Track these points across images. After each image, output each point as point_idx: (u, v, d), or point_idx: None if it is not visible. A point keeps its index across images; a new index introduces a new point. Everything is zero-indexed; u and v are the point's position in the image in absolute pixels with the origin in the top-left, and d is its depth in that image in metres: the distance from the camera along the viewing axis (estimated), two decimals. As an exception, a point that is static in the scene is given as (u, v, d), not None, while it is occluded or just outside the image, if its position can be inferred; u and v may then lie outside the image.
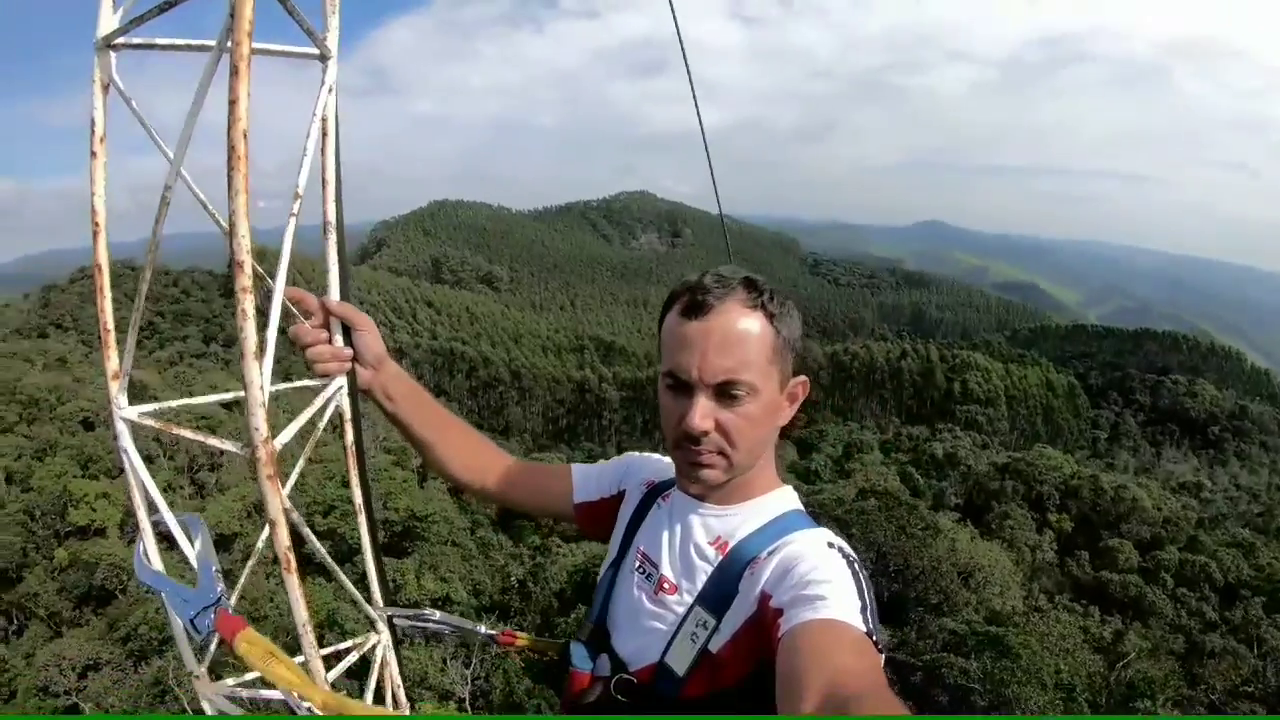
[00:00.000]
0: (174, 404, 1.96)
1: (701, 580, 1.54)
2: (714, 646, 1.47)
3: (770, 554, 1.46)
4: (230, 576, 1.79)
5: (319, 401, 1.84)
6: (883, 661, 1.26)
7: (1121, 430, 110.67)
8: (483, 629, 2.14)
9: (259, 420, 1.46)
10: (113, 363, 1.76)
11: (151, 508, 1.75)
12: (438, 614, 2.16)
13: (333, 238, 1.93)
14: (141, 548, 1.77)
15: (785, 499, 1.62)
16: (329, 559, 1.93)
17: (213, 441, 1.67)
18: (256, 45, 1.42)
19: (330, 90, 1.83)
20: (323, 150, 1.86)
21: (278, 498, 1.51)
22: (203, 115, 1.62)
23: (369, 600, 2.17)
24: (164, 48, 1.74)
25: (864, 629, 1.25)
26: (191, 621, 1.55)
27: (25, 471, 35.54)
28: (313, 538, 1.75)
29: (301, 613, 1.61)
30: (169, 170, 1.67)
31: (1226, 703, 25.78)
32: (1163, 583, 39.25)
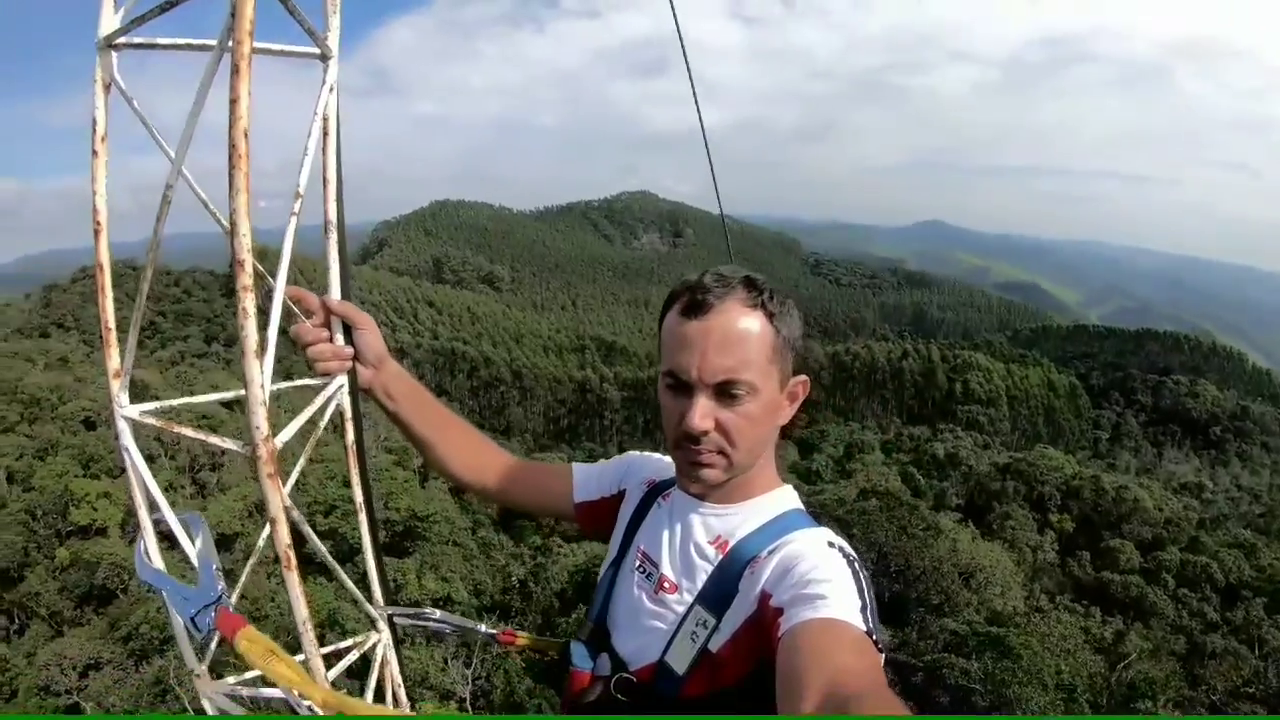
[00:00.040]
0: (175, 402, 1.96)
1: (702, 579, 1.54)
2: (714, 646, 1.46)
3: (770, 553, 1.46)
4: (231, 576, 1.79)
5: (320, 400, 1.84)
6: (883, 661, 1.26)
7: (1123, 431, 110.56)
8: (483, 628, 2.14)
9: (259, 418, 1.46)
10: (114, 361, 1.76)
11: (152, 506, 1.76)
12: (438, 613, 2.16)
13: (334, 237, 1.93)
14: (142, 546, 1.77)
15: (785, 498, 1.61)
16: (329, 558, 1.93)
17: (214, 440, 1.67)
18: (257, 45, 1.43)
19: (331, 90, 1.84)
20: (324, 150, 1.87)
21: (278, 496, 1.51)
22: (204, 115, 1.62)
23: (369, 599, 2.18)
24: (165, 47, 1.74)
25: (864, 628, 1.25)
26: (192, 619, 1.55)
27: (27, 471, 35.55)
28: (313, 536, 1.75)
29: (302, 610, 1.62)
30: (170, 170, 1.67)
31: (1228, 703, 25.77)
32: (1164, 583, 39.22)
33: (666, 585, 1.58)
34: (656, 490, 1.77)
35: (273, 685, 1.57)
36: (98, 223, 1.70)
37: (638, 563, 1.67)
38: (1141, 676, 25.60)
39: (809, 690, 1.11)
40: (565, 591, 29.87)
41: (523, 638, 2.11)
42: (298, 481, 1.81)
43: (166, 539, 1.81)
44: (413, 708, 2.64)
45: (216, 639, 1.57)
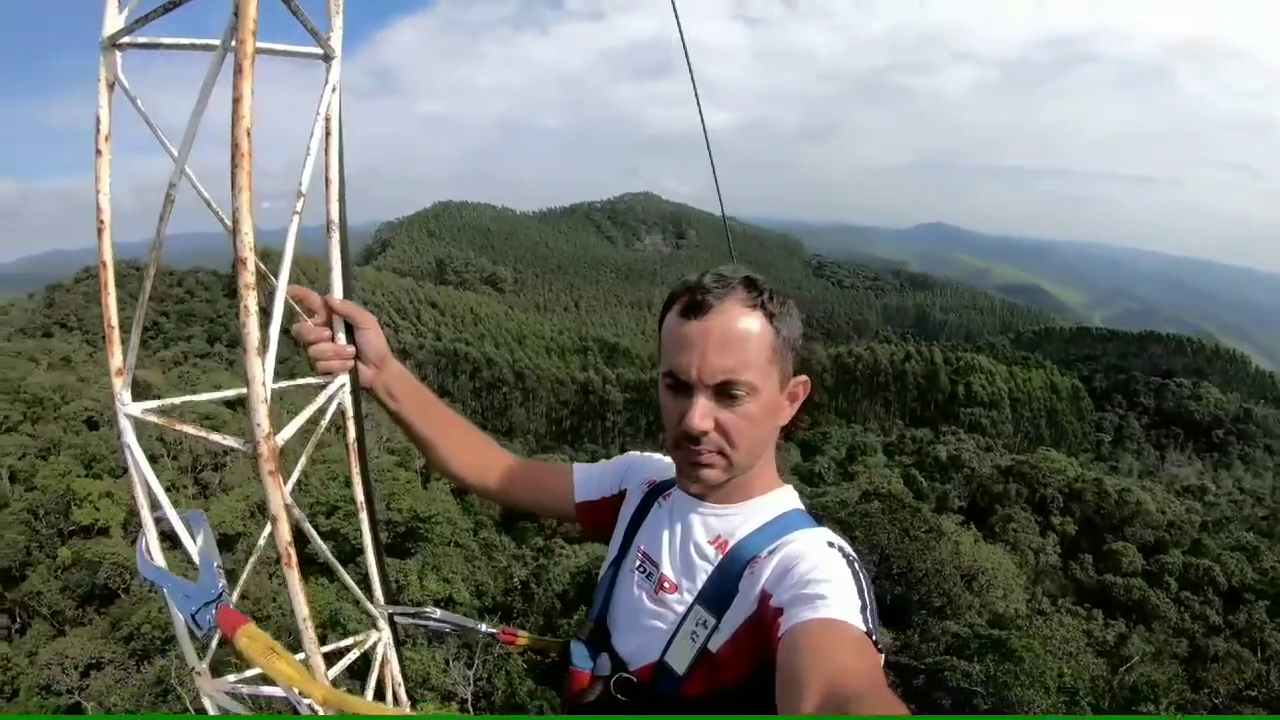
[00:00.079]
0: (177, 400, 1.96)
1: (702, 579, 1.53)
2: (714, 645, 1.46)
3: (770, 553, 1.46)
4: (233, 576, 1.79)
5: (321, 399, 1.85)
6: (882, 661, 1.26)
7: (1125, 433, 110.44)
8: (484, 627, 2.14)
9: (261, 416, 1.47)
10: (116, 359, 1.76)
11: (154, 504, 1.76)
12: (439, 612, 2.16)
13: (336, 236, 1.94)
14: (144, 543, 1.78)
15: (786, 498, 1.61)
16: (330, 556, 1.94)
17: (215, 437, 1.68)
18: (261, 45, 1.43)
19: (334, 90, 1.84)
20: (326, 150, 1.87)
21: (279, 493, 1.51)
22: (207, 115, 1.62)
23: (370, 598, 2.18)
24: (169, 47, 1.75)
25: (864, 628, 1.24)
26: (193, 617, 1.55)
27: (29, 470, 35.65)
28: (314, 535, 1.76)
29: (302, 608, 1.62)
30: (173, 169, 1.67)
31: (1230, 706, 25.72)
32: (1166, 586, 39.19)
33: (666, 585, 1.58)
34: (657, 490, 1.77)
35: (273, 683, 1.57)
36: (101, 221, 1.71)
37: (638, 563, 1.67)
38: (1144, 679, 25.59)
39: (809, 690, 1.11)
40: (567, 593, 29.89)
41: (523, 637, 2.11)
42: (300, 482, 1.82)
43: (168, 538, 1.81)
44: (413, 707, 2.65)
45: (217, 637, 1.58)
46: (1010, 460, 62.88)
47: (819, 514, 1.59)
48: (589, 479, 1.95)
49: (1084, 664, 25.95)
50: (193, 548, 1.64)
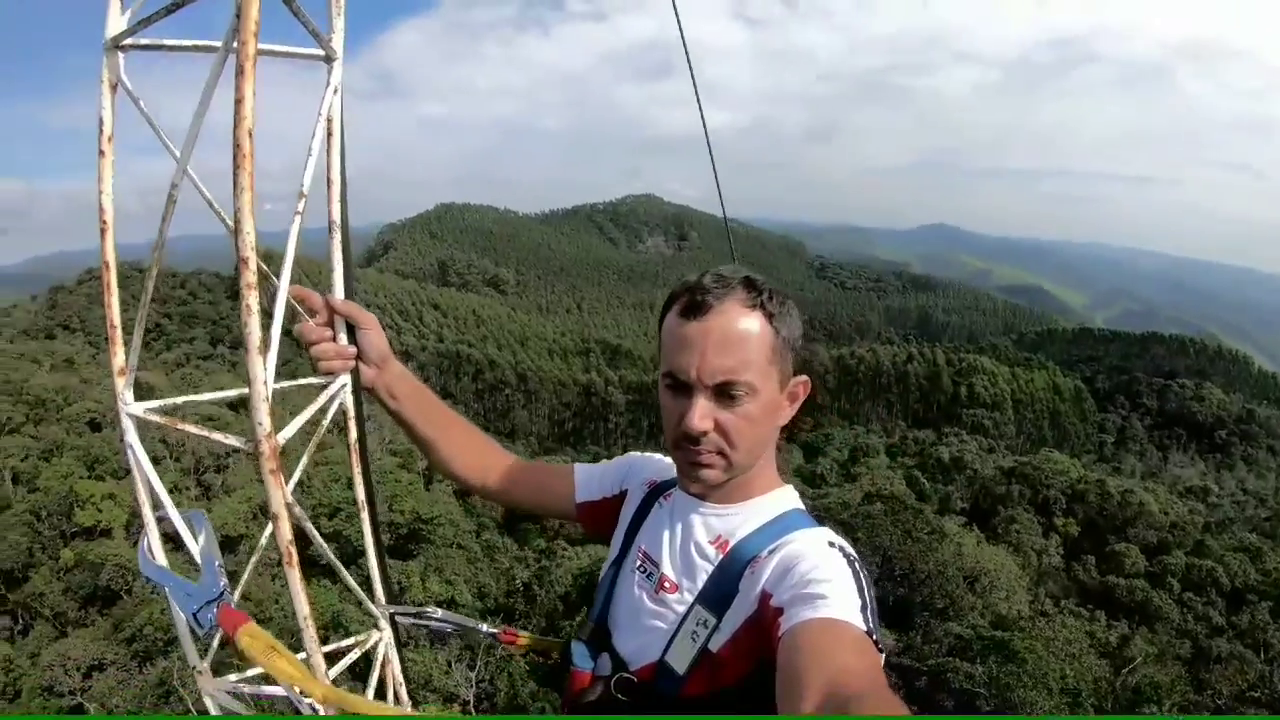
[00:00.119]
0: (179, 400, 1.97)
1: (702, 579, 1.53)
2: (714, 645, 1.46)
3: (771, 553, 1.46)
4: (235, 577, 1.80)
5: (323, 399, 1.85)
6: (883, 661, 1.26)
7: (1128, 434, 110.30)
8: (484, 627, 2.15)
9: (262, 415, 1.47)
10: (119, 359, 1.77)
11: (156, 504, 1.76)
12: (440, 612, 2.16)
13: (337, 237, 1.95)
14: (146, 543, 1.78)
15: (786, 498, 1.61)
16: (331, 556, 1.94)
17: (217, 436, 1.68)
18: (262, 46, 1.44)
19: (335, 91, 1.85)
20: (328, 151, 1.88)
21: (280, 492, 1.52)
22: (209, 117, 1.63)
23: (371, 598, 2.18)
24: (171, 48, 1.76)
25: (864, 628, 1.24)
26: (194, 615, 1.55)
27: (32, 472, 35.66)
28: (315, 534, 1.76)
29: (303, 607, 1.62)
30: (175, 169, 1.68)
31: (1233, 708, 25.66)
32: (1169, 587, 39.13)
33: (667, 585, 1.58)
34: (658, 491, 1.77)
35: (274, 682, 1.58)
36: (104, 221, 1.72)
37: (639, 563, 1.66)
38: (1147, 681, 25.54)
39: (809, 690, 1.11)
40: (569, 594, 29.87)
41: (524, 637, 2.11)
42: (302, 484, 1.83)
43: (171, 540, 1.82)
44: (414, 708, 2.65)
45: (219, 635, 1.58)
46: (1013, 462, 62.81)
47: (821, 515, 1.59)
48: (590, 479, 1.95)
49: (1087, 665, 25.90)
50: (194, 547, 1.64)
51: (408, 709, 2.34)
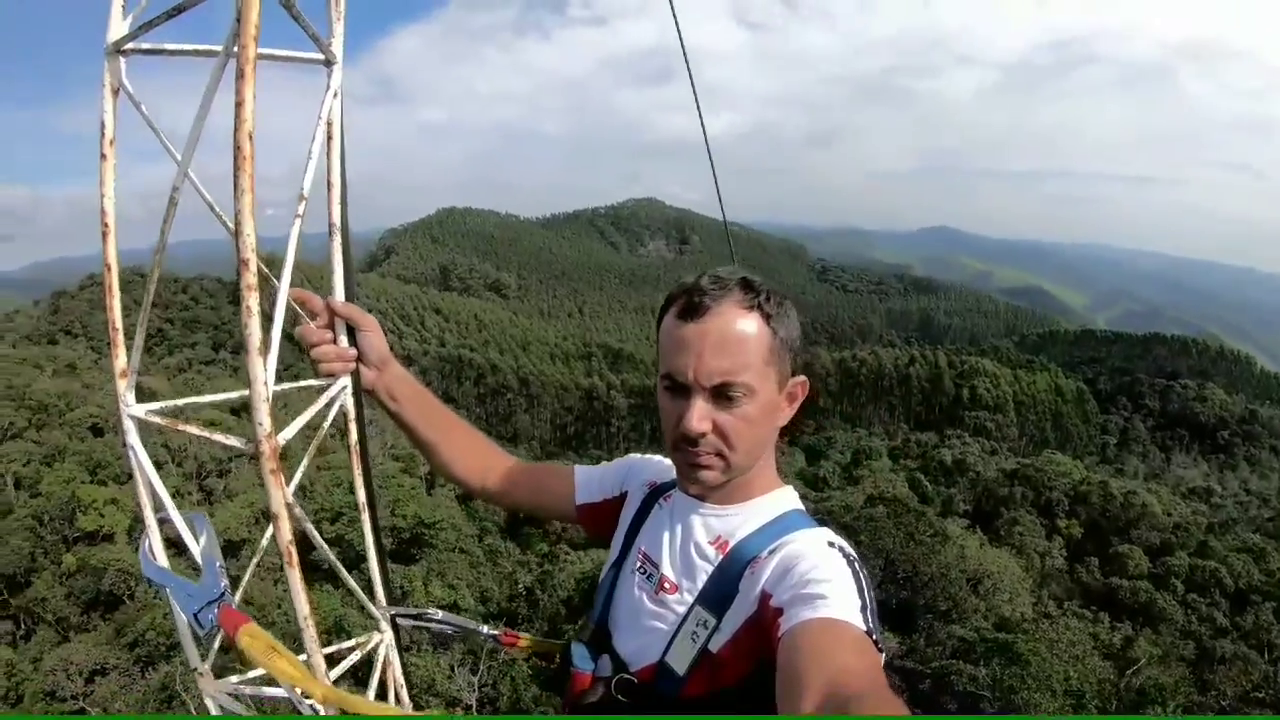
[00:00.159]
0: (180, 402, 1.98)
1: (702, 580, 1.53)
2: (714, 646, 1.46)
3: (770, 553, 1.46)
4: (237, 582, 1.80)
5: (323, 400, 1.86)
6: (883, 661, 1.26)
7: (1131, 435, 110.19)
8: (485, 629, 2.15)
9: (262, 415, 1.48)
10: (120, 361, 1.78)
11: (158, 505, 1.77)
12: (440, 613, 2.17)
13: (338, 240, 1.95)
14: (147, 544, 1.79)
15: (785, 499, 1.61)
16: (333, 557, 1.95)
17: (218, 437, 1.69)
18: (262, 50, 1.45)
19: (335, 95, 1.86)
20: (328, 154, 1.89)
21: (280, 492, 1.52)
22: (210, 122, 1.64)
23: (372, 599, 2.19)
24: (172, 53, 1.77)
25: (864, 628, 1.24)
26: (195, 616, 1.56)
27: (34, 477, 35.70)
28: (316, 535, 1.77)
29: (303, 607, 1.63)
30: (177, 173, 1.69)
31: (1237, 708, 25.58)
32: (1173, 589, 39.06)
33: (667, 586, 1.58)
34: (657, 492, 1.77)
35: (275, 684, 1.58)
36: (105, 224, 1.72)
37: (639, 564, 1.66)
38: (1151, 682, 25.46)
39: (809, 690, 1.11)
40: (572, 599, 29.81)
41: (524, 640, 2.11)
42: (304, 488, 1.84)
43: (173, 545, 1.83)
44: (415, 709, 2.65)
45: (220, 636, 1.58)
46: (1015, 463, 62.83)
47: (824, 519, 1.59)
48: (590, 481, 1.95)
49: (1090, 667, 25.79)
50: (195, 548, 1.65)
51: (409, 710, 2.35)
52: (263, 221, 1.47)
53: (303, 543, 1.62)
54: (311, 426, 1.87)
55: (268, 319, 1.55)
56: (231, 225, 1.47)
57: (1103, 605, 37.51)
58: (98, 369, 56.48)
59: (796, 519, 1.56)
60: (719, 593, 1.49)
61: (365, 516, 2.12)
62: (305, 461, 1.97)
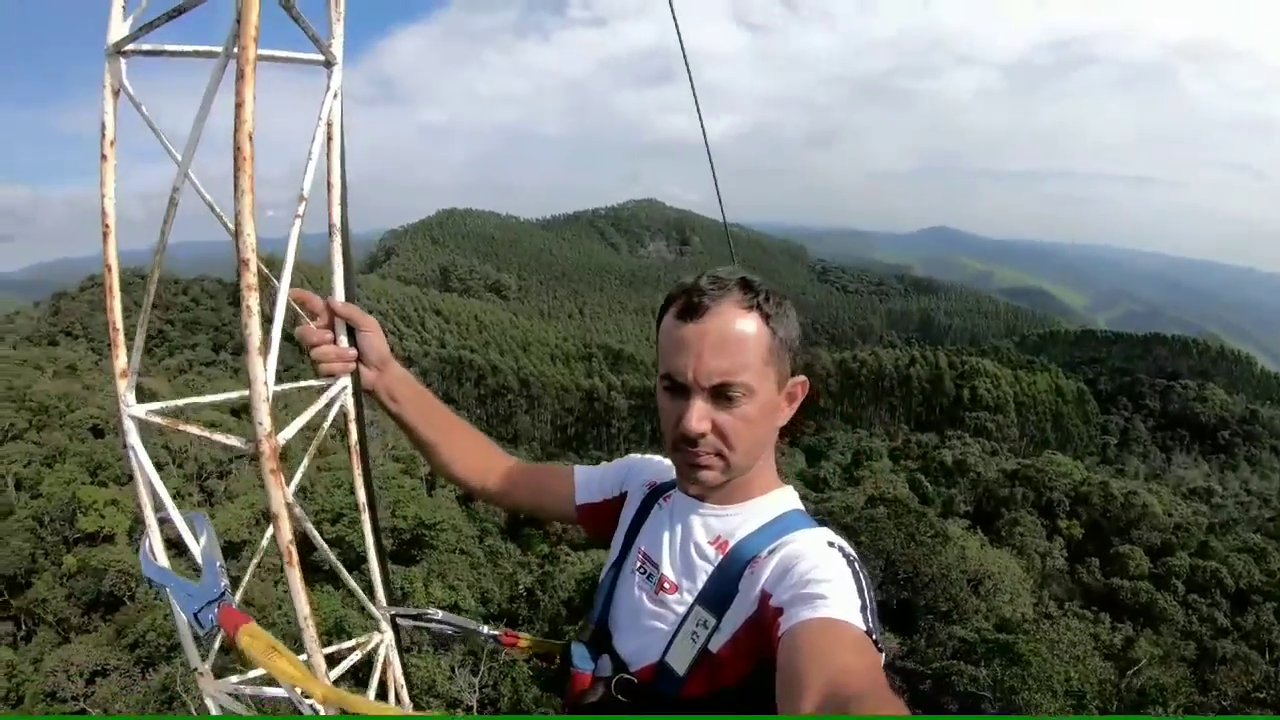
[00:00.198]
0: (181, 402, 1.98)
1: (702, 580, 1.53)
2: (714, 646, 1.46)
3: (770, 553, 1.46)
4: (238, 583, 1.81)
5: (323, 400, 1.86)
6: (883, 661, 1.26)
7: (1131, 436, 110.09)
8: (485, 629, 2.15)
9: (262, 415, 1.48)
10: (121, 361, 1.78)
11: (158, 505, 1.77)
12: (440, 613, 2.17)
13: (337, 240, 1.96)
14: (147, 544, 1.79)
15: (785, 499, 1.61)
16: (333, 558, 1.95)
17: (218, 437, 1.69)
18: (262, 51, 1.45)
19: (335, 96, 1.86)
20: (328, 154, 1.89)
21: (280, 492, 1.52)
22: (210, 125, 1.64)
23: (373, 600, 2.19)
24: (173, 54, 1.77)
25: (864, 628, 1.24)
26: (195, 616, 1.56)
27: (35, 478, 35.68)
28: (316, 534, 1.77)
29: (303, 606, 1.63)
30: (177, 173, 1.69)
31: (1238, 709, 25.57)
32: (1174, 589, 39.02)
33: (667, 586, 1.58)
34: (657, 492, 1.77)
35: (275, 684, 1.58)
36: (106, 224, 1.73)
37: (638, 564, 1.67)
38: (1151, 683, 25.45)
39: (809, 690, 1.11)
40: (573, 600, 29.79)
41: (524, 640, 2.12)
42: (305, 490, 1.84)
43: (173, 546, 1.83)
44: (416, 709, 2.65)
45: (220, 636, 1.58)
46: (1016, 464, 62.76)
47: (824, 519, 1.58)
48: (590, 481, 1.95)
49: (1091, 668, 25.78)
50: (196, 547, 1.65)
51: (409, 710, 2.35)
52: (263, 223, 1.47)
53: (303, 544, 1.62)
54: (311, 427, 1.88)
55: (268, 319, 1.56)
56: (232, 226, 1.47)
57: (1103, 606, 37.48)
58: (98, 370, 56.46)
59: (796, 519, 1.56)
60: (719, 593, 1.49)
61: (365, 517, 2.12)
62: (305, 462, 1.98)
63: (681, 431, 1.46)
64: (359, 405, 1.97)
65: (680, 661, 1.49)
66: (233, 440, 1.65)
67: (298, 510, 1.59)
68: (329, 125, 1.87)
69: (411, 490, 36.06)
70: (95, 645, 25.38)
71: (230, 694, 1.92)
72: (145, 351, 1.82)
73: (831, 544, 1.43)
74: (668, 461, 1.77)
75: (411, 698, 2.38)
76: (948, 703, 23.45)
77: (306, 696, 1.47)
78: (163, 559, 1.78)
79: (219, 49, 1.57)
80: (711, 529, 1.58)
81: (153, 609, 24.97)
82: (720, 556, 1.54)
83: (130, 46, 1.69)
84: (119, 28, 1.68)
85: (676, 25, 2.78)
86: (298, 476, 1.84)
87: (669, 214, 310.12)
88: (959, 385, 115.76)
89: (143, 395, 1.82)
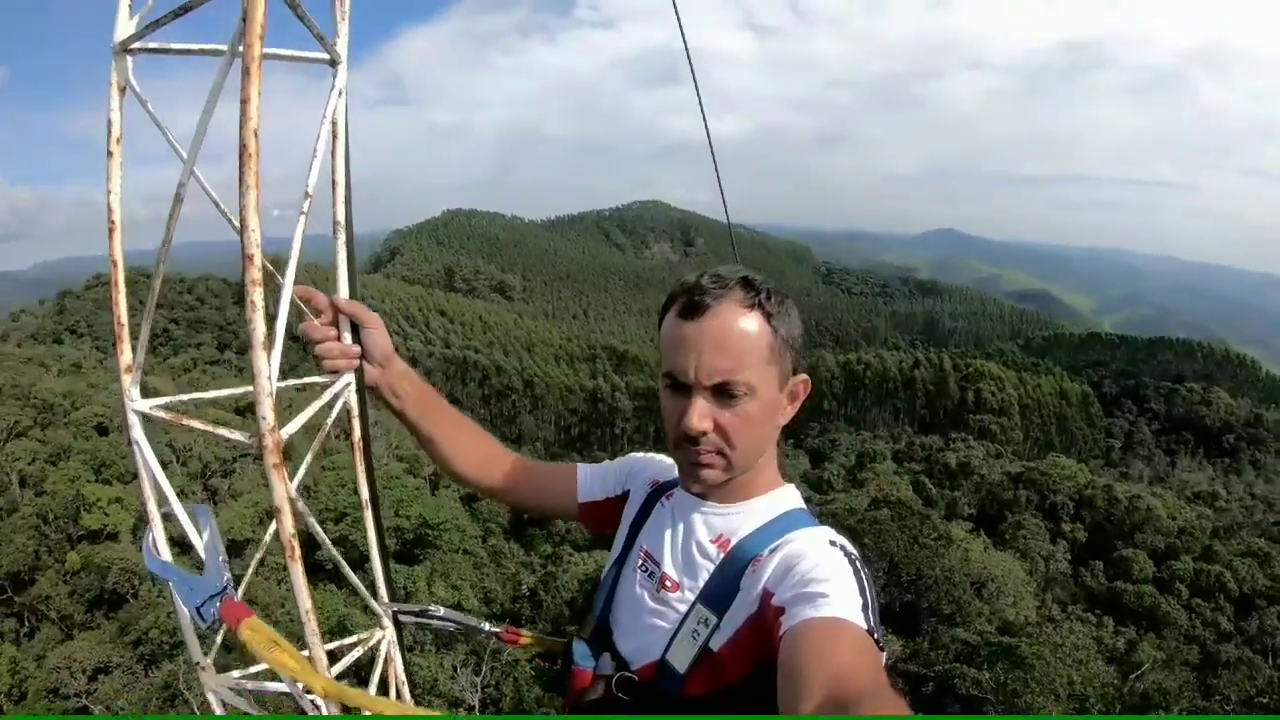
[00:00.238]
0: (185, 398, 1.99)
1: (703, 578, 1.54)
2: (715, 644, 1.46)
3: (772, 552, 1.46)
4: (241, 581, 1.81)
5: (326, 396, 1.87)
6: (884, 660, 1.26)
7: (1135, 439, 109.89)
8: (486, 626, 2.16)
9: (266, 410, 1.48)
10: (125, 356, 1.79)
11: (161, 500, 1.78)
12: (442, 610, 2.17)
13: (341, 237, 1.96)
14: (150, 538, 1.79)
15: (787, 497, 1.62)
16: (335, 554, 1.95)
17: (222, 432, 1.70)
18: (268, 50, 1.45)
19: (340, 94, 1.87)
20: (332, 153, 1.90)
21: (283, 486, 1.53)
22: (215, 126, 1.65)
23: (375, 596, 2.20)
24: (179, 52, 1.78)
25: (865, 627, 1.24)
26: (197, 609, 1.57)
27: (39, 475, 35.72)
28: (319, 530, 1.77)
29: (305, 601, 1.64)
30: (183, 170, 1.70)
31: (1241, 713, 25.51)
32: (1177, 593, 38.88)
33: (668, 584, 1.58)
34: (660, 490, 1.77)
35: (277, 679, 1.59)
36: (111, 221, 1.74)
37: (640, 562, 1.67)
38: (1155, 686, 25.41)
39: (810, 689, 1.11)
40: (575, 600, 29.80)
41: (526, 637, 2.12)
42: (309, 489, 1.84)
43: (177, 544, 1.83)
44: (416, 705, 2.65)
45: (222, 630, 1.59)
46: (1020, 467, 62.54)
47: (827, 521, 1.59)
48: (592, 480, 1.96)
49: (1094, 671, 25.74)
50: (198, 541, 1.66)
51: (409, 705, 2.35)
52: (268, 222, 1.48)
53: (306, 542, 1.62)
54: (315, 424, 1.88)
55: (272, 316, 1.56)
56: (236, 222, 1.48)
57: (1107, 609, 37.35)
58: (103, 369, 56.59)
59: (798, 518, 1.56)
60: (720, 591, 1.49)
61: (368, 513, 2.13)
62: (309, 458, 1.98)
63: (683, 430, 1.46)
64: (362, 402, 1.98)
65: (681, 660, 1.49)
66: (236, 435, 1.66)
67: (300, 505, 1.59)
68: (333, 124, 1.88)
69: (415, 490, 36.04)
70: (98, 642, 25.39)
71: (232, 689, 1.93)
72: (150, 350, 1.83)
73: (833, 543, 1.44)
74: (670, 460, 1.77)
75: (414, 696, 2.38)
76: (950, 705, 23.40)
77: (308, 691, 1.48)
78: (166, 553, 1.78)
79: (224, 47, 1.58)
80: (713, 527, 1.58)
81: (155, 607, 24.97)
82: (722, 555, 1.54)
83: (136, 45, 1.70)
84: (125, 26, 1.68)
85: (680, 26, 2.79)
86: (301, 473, 1.84)
87: (674, 215, 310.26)
88: (963, 388, 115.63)
89: (147, 393, 1.83)
